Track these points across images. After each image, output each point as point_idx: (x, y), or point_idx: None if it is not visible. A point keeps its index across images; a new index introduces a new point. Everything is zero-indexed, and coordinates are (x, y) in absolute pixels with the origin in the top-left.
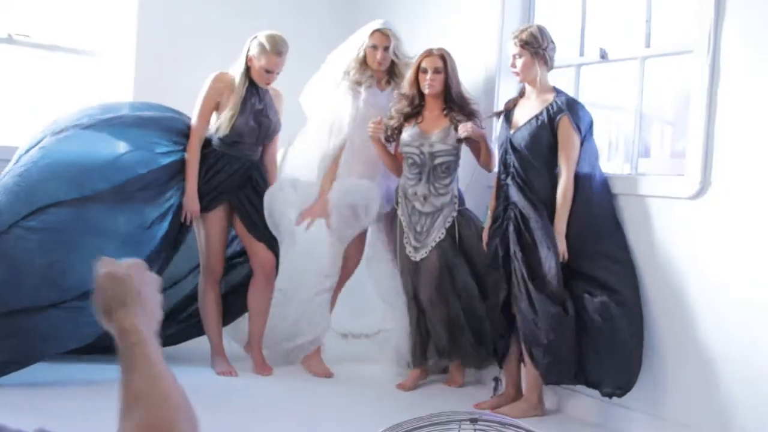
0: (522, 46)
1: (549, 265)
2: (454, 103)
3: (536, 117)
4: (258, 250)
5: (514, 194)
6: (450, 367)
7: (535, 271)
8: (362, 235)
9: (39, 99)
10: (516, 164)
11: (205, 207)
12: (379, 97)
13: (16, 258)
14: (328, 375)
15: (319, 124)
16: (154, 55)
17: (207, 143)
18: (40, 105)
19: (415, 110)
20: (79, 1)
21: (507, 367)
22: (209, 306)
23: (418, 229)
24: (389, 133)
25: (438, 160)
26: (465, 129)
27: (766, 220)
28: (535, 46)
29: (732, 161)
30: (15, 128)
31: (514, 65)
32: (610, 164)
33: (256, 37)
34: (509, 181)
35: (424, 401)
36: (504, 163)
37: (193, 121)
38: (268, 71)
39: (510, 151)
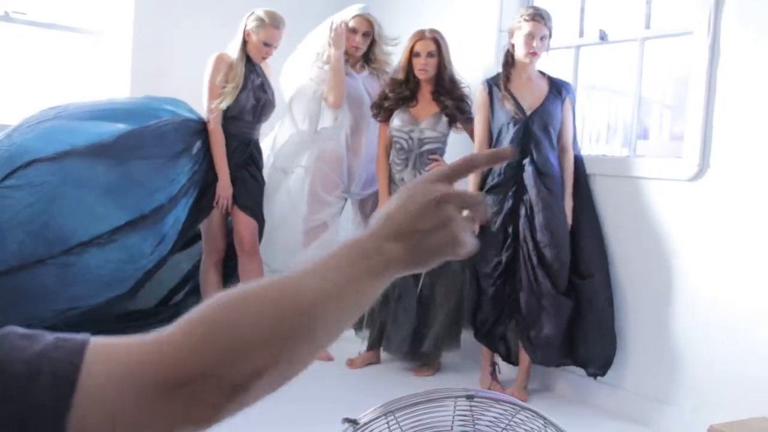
0: (545, 26)
1: (563, 252)
2: (444, 88)
3: (547, 99)
4: (242, 225)
5: (530, 178)
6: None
7: (545, 257)
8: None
9: (36, 78)
10: (533, 146)
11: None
12: (357, 82)
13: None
14: (329, 358)
15: (296, 108)
16: (151, 34)
17: (206, 124)
18: (37, 84)
19: (411, 94)
20: None
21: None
22: (210, 288)
23: None
24: (382, 114)
25: (426, 147)
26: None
27: (764, 202)
28: (551, 27)
29: (731, 144)
30: (11, 107)
31: (537, 46)
32: (608, 146)
33: (253, 13)
34: (526, 163)
35: (419, 383)
36: (522, 145)
37: (206, 104)
38: (266, 44)
39: (526, 132)
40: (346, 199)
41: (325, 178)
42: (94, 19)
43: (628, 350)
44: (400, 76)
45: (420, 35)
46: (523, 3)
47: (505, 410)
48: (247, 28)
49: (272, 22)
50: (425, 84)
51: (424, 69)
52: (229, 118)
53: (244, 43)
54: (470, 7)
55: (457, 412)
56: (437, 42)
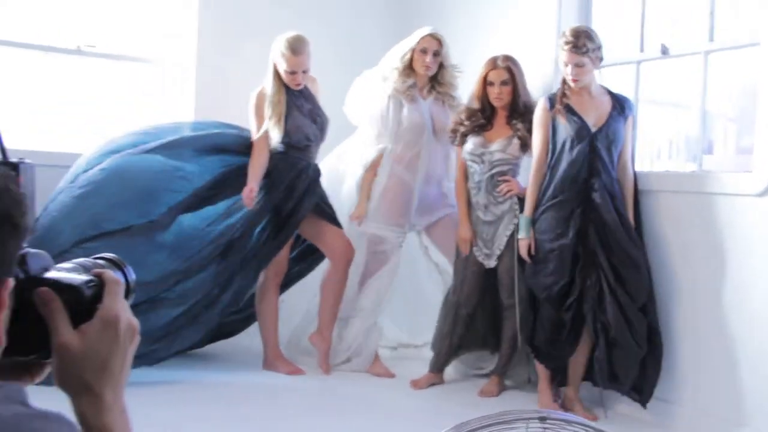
0: (582, 54)
1: (643, 273)
2: (518, 113)
3: (611, 116)
4: (336, 237)
5: (600, 197)
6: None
7: (624, 278)
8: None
9: (103, 108)
10: (600, 165)
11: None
12: (422, 107)
13: None
14: (390, 375)
15: (360, 134)
16: (214, 63)
17: (272, 160)
18: (105, 114)
19: (486, 121)
20: (141, 11)
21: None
22: (268, 308)
23: (484, 236)
24: (458, 139)
25: (496, 169)
26: (509, 187)
27: None
28: (592, 49)
29: None
30: (80, 136)
31: (574, 73)
32: (670, 162)
33: (276, 42)
34: (595, 182)
35: (487, 403)
36: (588, 163)
37: (254, 135)
38: (291, 72)
39: (592, 150)
40: (406, 231)
41: (389, 207)
42: (159, 49)
43: (697, 370)
44: (476, 105)
45: (493, 64)
46: (581, 16)
47: None
48: (273, 60)
49: (290, 50)
50: (500, 110)
51: (499, 98)
52: (287, 144)
53: (277, 73)
54: (528, 17)
55: None
56: (510, 70)
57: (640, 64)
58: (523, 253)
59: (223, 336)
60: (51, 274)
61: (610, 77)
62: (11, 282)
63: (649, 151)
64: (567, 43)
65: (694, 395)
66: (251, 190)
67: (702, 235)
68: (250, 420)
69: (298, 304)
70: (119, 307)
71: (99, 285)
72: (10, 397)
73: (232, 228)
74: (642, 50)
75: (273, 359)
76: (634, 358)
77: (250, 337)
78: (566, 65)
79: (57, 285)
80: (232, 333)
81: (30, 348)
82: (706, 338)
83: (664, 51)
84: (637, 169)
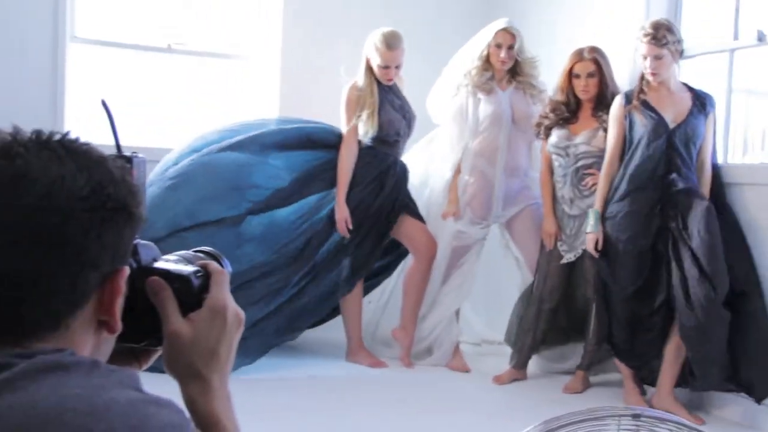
0: (661, 46)
1: (723, 267)
2: (604, 105)
3: (691, 113)
4: (420, 232)
5: (682, 194)
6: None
7: (707, 273)
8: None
9: (192, 104)
10: (679, 161)
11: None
12: (501, 98)
13: None
14: (466, 370)
15: (443, 132)
16: (298, 60)
17: (360, 155)
18: (193, 110)
19: (572, 114)
20: (228, 9)
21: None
22: (352, 301)
23: (568, 231)
24: (543, 132)
25: (581, 162)
26: (595, 180)
27: None
28: (672, 41)
29: None
30: (170, 132)
31: (653, 66)
32: (765, 153)
33: (370, 37)
34: (675, 179)
35: (572, 400)
36: (666, 160)
37: (344, 130)
38: (385, 67)
39: (670, 146)
40: (490, 224)
41: (472, 202)
42: (245, 46)
43: None
44: (560, 97)
45: (579, 56)
46: (671, 8)
47: (671, 431)
48: (367, 54)
49: (384, 45)
50: (586, 103)
51: (585, 90)
52: (377, 139)
53: (369, 68)
54: (614, 6)
55: None
56: (597, 62)
57: (734, 52)
58: (590, 247)
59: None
60: (160, 265)
61: (701, 67)
62: (126, 270)
63: (741, 141)
64: (646, 35)
65: None
66: (344, 220)
67: None
68: (333, 410)
69: (380, 298)
70: (226, 296)
71: (205, 275)
72: (123, 382)
73: (320, 222)
74: (736, 38)
75: (356, 352)
76: (718, 355)
77: (334, 329)
78: (645, 58)
79: (167, 275)
80: (316, 323)
81: (141, 335)
82: None
83: (761, 38)
84: (729, 161)
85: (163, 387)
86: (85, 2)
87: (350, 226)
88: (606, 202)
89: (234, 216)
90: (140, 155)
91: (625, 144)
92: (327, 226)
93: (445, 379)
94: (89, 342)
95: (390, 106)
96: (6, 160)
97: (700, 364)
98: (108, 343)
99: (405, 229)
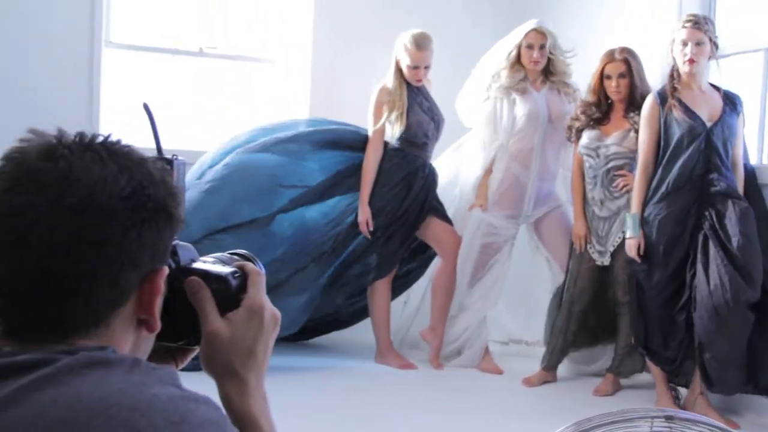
0: (703, 32)
1: (760, 269)
2: (635, 106)
3: (724, 111)
4: (446, 233)
5: (720, 194)
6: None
7: (744, 275)
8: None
9: (224, 106)
10: (718, 160)
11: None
12: (536, 98)
13: None
14: (498, 372)
15: (475, 135)
16: (328, 62)
17: (387, 156)
18: (225, 112)
19: (603, 115)
20: (259, 13)
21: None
22: (380, 303)
23: (600, 233)
24: (574, 134)
25: (612, 163)
26: (626, 182)
27: None
28: (712, 30)
29: None
30: (202, 135)
31: (693, 52)
32: None
33: (399, 38)
34: (714, 178)
35: (602, 402)
36: (705, 159)
37: (371, 133)
38: (414, 67)
39: (708, 145)
40: (520, 223)
41: (502, 198)
42: (276, 49)
43: None
44: (591, 98)
45: (610, 57)
46: (704, 8)
47: None
48: (396, 56)
49: (414, 45)
50: (618, 104)
51: (617, 91)
52: (405, 141)
53: (399, 69)
54: (646, 13)
55: None
56: (628, 63)
57: None
58: (633, 253)
59: (337, 326)
60: (198, 265)
61: (736, 66)
62: (166, 270)
63: None
64: (688, 20)
65: None
66: (365, 221)
67: None
68: (362, 411)
69: (410, 302)
70: (263, 297)
71: (242, 276)
72: (163, 379)
73: (347, 226)
74: None
75: (385, 353)
76: (738, 357)
77: (362, 331)
78: (685, 44)
79: (206, 275)
80: (346, 323)
81: (178, 335)
82: None
83: None
84: (765, 161)
85: (199, 385)
86: (120, 8)
87: (371, 227)
88: (644, 205)
89: (266, 216)
90: (180, 158)
91: (659, 144)
92: (352, 229)
93: (474, 380)
94: (129, 340)
95: (419, 107)
96: (50, 162)
97: (719, 367)
98: (147, 341)
99: (432, 231)
